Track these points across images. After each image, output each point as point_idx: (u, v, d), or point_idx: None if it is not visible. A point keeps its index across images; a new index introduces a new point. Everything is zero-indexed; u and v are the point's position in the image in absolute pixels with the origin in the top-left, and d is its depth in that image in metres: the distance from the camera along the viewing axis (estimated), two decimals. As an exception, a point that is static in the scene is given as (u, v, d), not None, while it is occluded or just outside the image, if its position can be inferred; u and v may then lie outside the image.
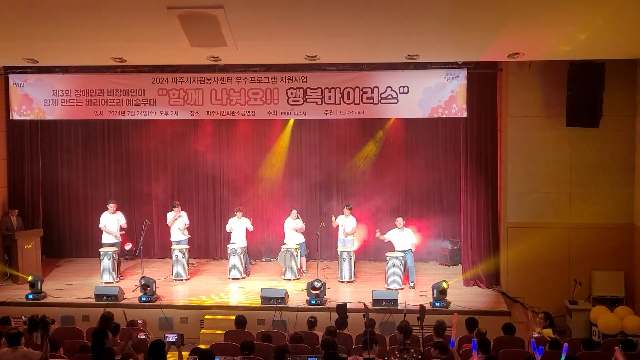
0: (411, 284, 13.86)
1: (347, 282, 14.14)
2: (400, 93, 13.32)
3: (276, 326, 12.06)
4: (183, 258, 14.48)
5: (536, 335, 10.00)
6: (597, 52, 11.59)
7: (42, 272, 14.41)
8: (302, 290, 13.30)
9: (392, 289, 13.29)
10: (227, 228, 14.84)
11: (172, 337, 8.65)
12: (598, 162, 13.19)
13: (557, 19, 9.17)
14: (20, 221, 15.04)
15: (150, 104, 13.90)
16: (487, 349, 9.10)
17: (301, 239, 14.74)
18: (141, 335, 9.17)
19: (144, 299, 12.88)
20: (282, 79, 13.57)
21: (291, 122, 15.48)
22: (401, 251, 13.81)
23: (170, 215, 14.88)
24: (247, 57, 12.22)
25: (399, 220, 13.94)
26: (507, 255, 13.56)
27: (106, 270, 14.21)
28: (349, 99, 13.46)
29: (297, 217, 14.70)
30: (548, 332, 10.31)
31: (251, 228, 14.78)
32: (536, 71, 13.06)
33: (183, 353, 8.89)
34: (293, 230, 14.67)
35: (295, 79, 13.55)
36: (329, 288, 13.25)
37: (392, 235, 13.95)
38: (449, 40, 10.44)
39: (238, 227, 14.73)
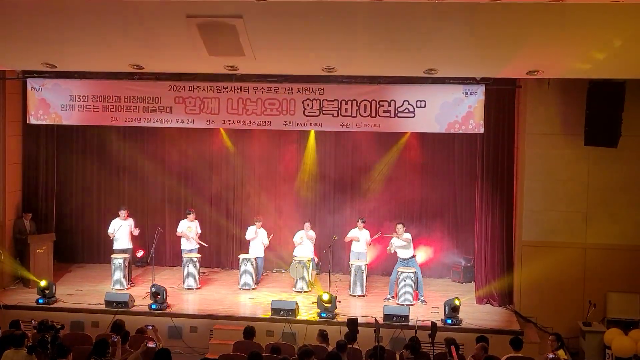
0: (421, 298, 13.74)
1: (359, 296, 14.04)
2: (417, 107, 13.24)
3: (285, 338, 11.99)
4: (194, 267, 14.44)
5: (551, 356, 9.84)
6: (617, 72, 11.47)
7: (54, 276, 14.43)
8: (313, 303, 13.22)
9: (403, 305, 13.18)
10: (248, 236, 14.80)
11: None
12: (615, 182, 13.05)
13: (576, 38, 9.12)
14: (34, 225, 15.09)
15: (166, 112, 13.89)
16: None
17: (311, 253, 14.65)
18: (150, 344, 9.05)
19: (154, 307, 12.84)
20: (298, 90, 13.52)
21: (312, 134, 15.42)
22: (404, 259, 13.69)
23: (182, 225, 14.84)
24: (264, 67, 12.20)
25: (399, 228, 13.81)
26: (521, 273, 13.43)
27: (117, 277, 14.20)
28: (365, 111, 13.40)
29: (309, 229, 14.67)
30: (561, 354, 10.15)
31: (266, 242, 14.76)
32: (555, 89, 12.96)
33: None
34: (307, 240, 14.55)
35: (312, 90, 13.49)
36: (339, 302, 13.16)
37: (395, 243, 13.83)
38: (468, 56, 10.38)
39: (257, 236, 14.72)
